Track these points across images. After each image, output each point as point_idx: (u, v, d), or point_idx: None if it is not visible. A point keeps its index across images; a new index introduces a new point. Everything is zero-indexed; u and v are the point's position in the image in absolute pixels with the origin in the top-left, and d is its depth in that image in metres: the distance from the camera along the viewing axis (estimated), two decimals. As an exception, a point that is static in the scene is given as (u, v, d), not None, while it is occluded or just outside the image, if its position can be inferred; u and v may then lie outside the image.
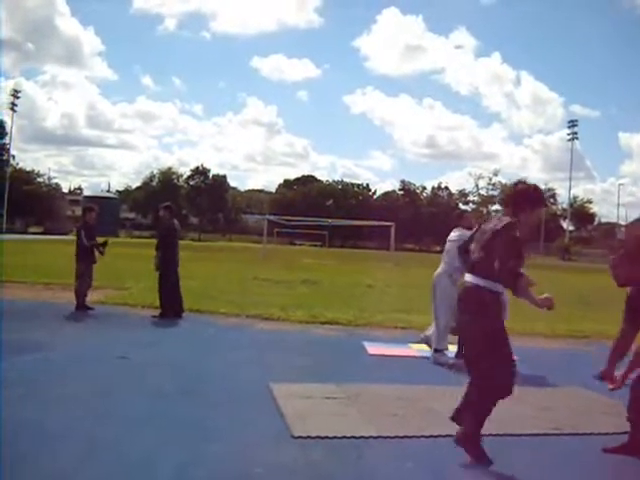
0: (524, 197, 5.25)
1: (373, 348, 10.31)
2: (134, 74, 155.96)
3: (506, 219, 5.15)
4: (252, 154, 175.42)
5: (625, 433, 5.64)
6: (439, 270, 9.86)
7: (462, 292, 5.40)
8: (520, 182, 5.49)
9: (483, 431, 5.23)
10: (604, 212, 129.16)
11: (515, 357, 5.24)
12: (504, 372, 5.09)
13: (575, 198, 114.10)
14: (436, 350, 9.60)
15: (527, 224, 5.22)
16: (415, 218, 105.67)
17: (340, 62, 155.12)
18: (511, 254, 4.96)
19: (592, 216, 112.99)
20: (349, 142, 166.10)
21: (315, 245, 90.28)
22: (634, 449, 5.50)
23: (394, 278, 24.58)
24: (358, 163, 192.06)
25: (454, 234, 9.83)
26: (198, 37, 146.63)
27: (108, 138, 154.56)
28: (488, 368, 5.09)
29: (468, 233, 9.52)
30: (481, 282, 5.13)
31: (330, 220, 61.18)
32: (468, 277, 5.29)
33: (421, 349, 10.37)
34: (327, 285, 21.33)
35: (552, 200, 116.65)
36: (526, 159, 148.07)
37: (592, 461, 5.51)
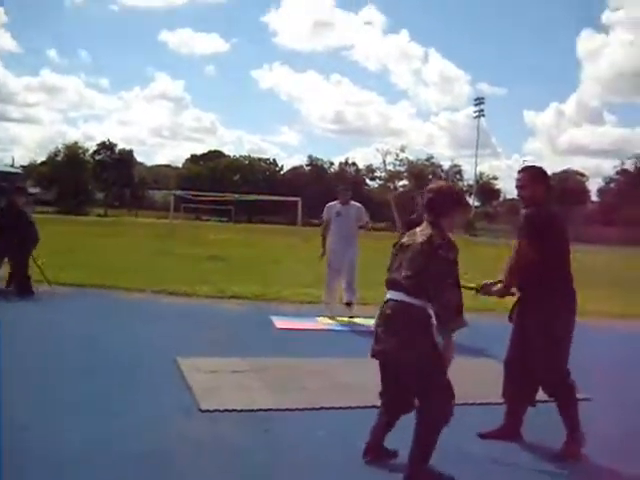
0: (442, 201, 4.60)
1: (280, 322, 10.35)
2: (39, 47, 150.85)
3: (428, 233, 4.50)
4: (159, 129, 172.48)
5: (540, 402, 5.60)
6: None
7: (385, 311, 4.63)
8: (432, 185, 4.81)
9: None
10: (509, 188, 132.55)
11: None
12: (447, 397, 4.48)
13: (481, 174, 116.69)
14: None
15: (451, 229, 4.62)
16: (322, 194, 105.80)
17: (248, 37, 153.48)
18: (446, 284, 4.36)
19: (497, 192, 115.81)
20: (257, 117, 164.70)
21: (222, 220, 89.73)
22: (510, 433, 5.46)
23: (301, 253, 24.58)
24: (265, 138, 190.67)
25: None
26: (105, 10, 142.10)
27: (11, 112, 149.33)
28: (430, 398, 4.47)
29: (335, 208, 11.21)
30: (411, 300, 4.44)
31: (237, 195, 60.73)
32: (392, 294, 4.57)
33: (328, 322, 10.48)
34: (234, 260, 21.21)
35: (458, 176, 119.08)
36: (433, 136, 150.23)
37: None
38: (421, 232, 4.55)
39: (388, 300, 4.60)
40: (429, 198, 4.64)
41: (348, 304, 11.07)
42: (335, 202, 11.38)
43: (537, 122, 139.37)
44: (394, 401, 4.79)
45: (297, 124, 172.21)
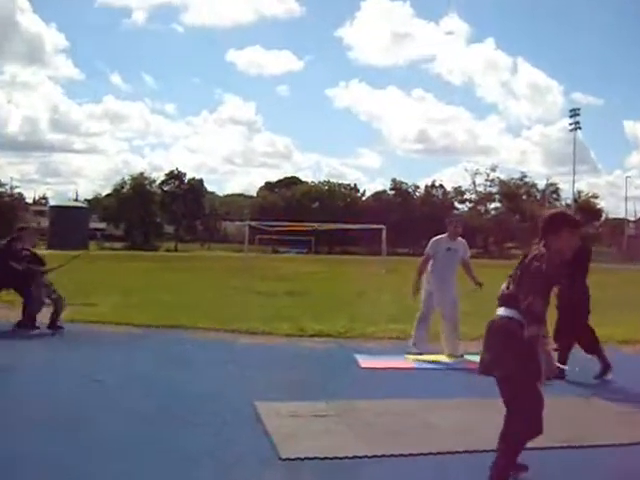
0: (549, 222, 5.11)
1: (365, 361, 10.32)
2: (101, 72, 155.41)
3: (536, 249, 4.98)
4: (230, 155, 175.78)
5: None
6: None
7: (489, 326, 5.15)
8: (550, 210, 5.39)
9: (486, 445, 5.22)
10: (611, 207, 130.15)
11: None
12: (536, 410, 4.88)
13: (579, 193, 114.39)
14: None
15: (558, 251, 5.00)
16: (408, 220, 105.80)
17: (322, 53, 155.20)
18: (531, 289, 4.77)
19: (598, 212, 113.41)
20: (334, 139, 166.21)
21: (300, 252, 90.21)
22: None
23: (387, 285, 24.55)
24: (345, 162, 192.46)
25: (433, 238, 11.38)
26: (169, 30, 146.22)
27: (74, 142, 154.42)
28: (522, 406, 4.90)
29: (444, 243, 11.10)
30: (507, 313, 4.95)
31: (316, 224, 60.93)
32: (498, 310, 5.09)
33: (417, 360, 10.42)
34: (314, 295, 21.32)
35: (555, 196, 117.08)
36: (525, 152, 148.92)
37: (601, 476, 5.54)
38: (532, 252, 5.01)
39: (494, 317, 5.13)
40: (540, 225, 5.17)
41: (459, 356, 10.80)
42: (443, 236, 11.12)
43: (639, 133, 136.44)
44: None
45: (378, 145, 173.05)
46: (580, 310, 9.25)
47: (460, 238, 11.22)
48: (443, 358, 10.70)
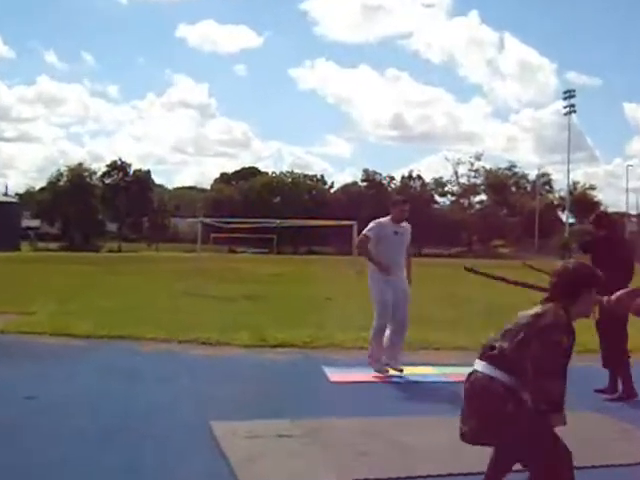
0: (568, 283, 4.74)
1: (334, 374, 10.39)
2: (34, 50, 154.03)
3: (551, 313, 4.59)
4: (181, 144, 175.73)
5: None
6: None
7: (469, 386, 4.77)
8: (558, 268, 4.89)
9: (479, 468, 5.22)
10: (610, 200, 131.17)
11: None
12: (562, 468, 4.53)
13: (575, 184, 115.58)
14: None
15: (578, 315, 4.73)
16: (382, 215, 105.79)
17: (284, 28, 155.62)
18: (548, 369, 4.44)
19: (596, 205, 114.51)
20: (298, 125, 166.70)
21: (261, 252, 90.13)
22: None
23: (357, 288, 24.61)
24: (310, 150, 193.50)
25: (374, 220, 11.02)
26: (112, 4, 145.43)
27: (4, 130, 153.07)
28: (543, 466, 4.55)
29: (388, 226, 10.75)
30: (498, 375, 4.58)
31: (278, 221, 60.94)
32: (480, 365, 4.74)
33: (392, 373, 10.49)
34: (277, 300, 21.38)
35: (547, 187, 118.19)
36: (514, 139, 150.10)
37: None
38: (542, 304, 4.72)
39: (473, 371, 4.75)
40: (554, 282, 4.79)
41: (399, 370, 10.52)
42: (386, 219, 10.77)
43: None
44: None
45: (348, 131, 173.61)
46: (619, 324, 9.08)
47: (406, 223, 10.84)
48: (421, 370, 10.79)
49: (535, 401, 4.43)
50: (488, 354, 4.67)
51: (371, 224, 10.74)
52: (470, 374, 4.76)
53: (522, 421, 4.44)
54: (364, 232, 10.76)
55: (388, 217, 10.79)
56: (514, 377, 4.50)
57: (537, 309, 4.67)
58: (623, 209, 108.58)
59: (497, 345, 4.64)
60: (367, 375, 10.42)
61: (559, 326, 4.50)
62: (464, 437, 4.72)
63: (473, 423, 4.62)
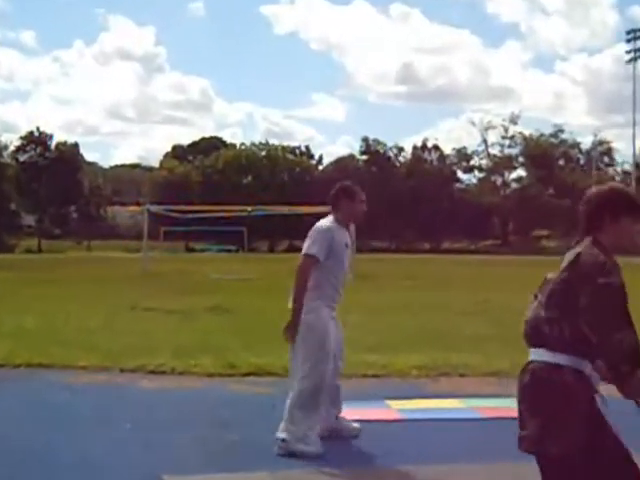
0: (601, 204, 4.81)
1: (328, 410, 10.37)
2: None
3: (586, 253, 4.64)
4: (119, 107, 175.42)
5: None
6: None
7: (522, 379, 4.84)
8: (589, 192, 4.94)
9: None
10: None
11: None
12: None
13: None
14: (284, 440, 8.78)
15: (614, 247, 4.75)
16: (387, 199, 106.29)
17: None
18: (615, 319, 4.40)
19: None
20: (275, 81, 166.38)
21: (228, 250, 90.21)
22: None
23: (356, 298, 24.60)
24: (291, 114, 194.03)
25: (315, 227, 9.45)
26: None
27: None
28: None
29: (340, 234, 9.32)
30: (559, 359, 4.61)
31: (250, 208, 60.68)
32: (535, 353, 4.80)
33: (404, 408, 10.51)
34: (250, 314, 21.47)
35: (607, 159, 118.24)
36: (562, 95, 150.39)
37: None
38: (569, 254, 4.76)
39: (529, 362, 4.82)
40: (583, 209, 4.89)
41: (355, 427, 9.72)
42: (331, 221, 9.46)
43: None
44: None
45: (341, 88, 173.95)
46: None
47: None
48: (443, 403, 10.80)
49: (611, 366, 4.41)
50: (539, 337, 4.72)
51: (316, 233, 9.23)
52: (526, 365, 4.82)
53: (590, 415, 4.50)
54: (309, 251, 9.13)
55: (331, 218, 9.46)
56: (573, 354, 4.55)
57: (569, 256, 4.73)
58: None
59: (544, 322, 4.69)
60: (370, 411, 10.43)
61: (599, 264, 4.50)
62: (522, 443, 4.72)
63: (533, 424, 4.64)
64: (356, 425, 9.51)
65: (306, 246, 9.09)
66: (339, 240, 9.23)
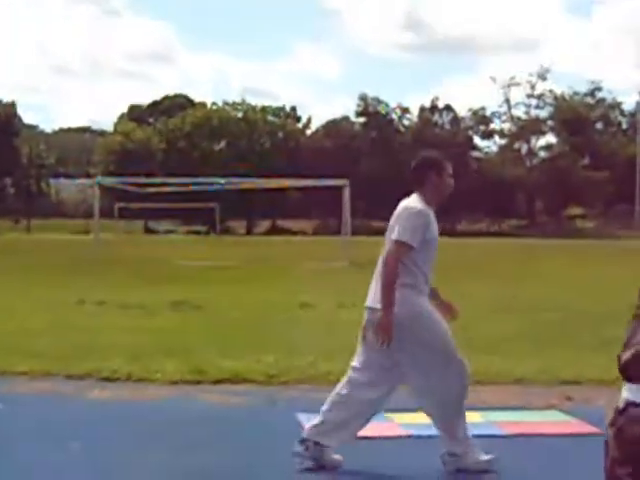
0: None
1: (317, 426, 10.38)
2: None
3: None
4: (65, 60, 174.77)
5: None
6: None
7: (624, 433, 4.42)
8: None
9: None
10: None
11: None
12: None
13: None
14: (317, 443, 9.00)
15: None
16: (390, 169, 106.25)
17: None
18: None
19: None
20: (252, 28, 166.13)
21: (197, 232, 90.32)
22: None
23: (352, 288, 24.69)
24: (272, 67, 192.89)
25: (400, 210, 9.23)
26: None
27: None
28: None
29: (433, 217, 9.13)
30: None
31: (223, 181, 60.44)
32: (627, 390, 4.44)
33: (410, 422, 10.53)
34: (222, 309, 21.56)
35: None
36: (600, 46, 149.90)
37: None
38: None
39: (624, 402, 4.48)
40: None
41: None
42: (416, 199, 9.32)
43: None
44: None
45: (333, 38, 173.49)
46: None
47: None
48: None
49: None
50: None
51: (408, 214, 9.07)
52: (621, 410, 4.45)
53: None
54: (402, 237, 8.94)
55: (416, 197, 9.33)
56: None
57: None
58: None
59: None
60: (372, 426, 10.43)
61: None
62: None
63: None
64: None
65: (398, 231, 8.86)
66: (434, 226, 9.13)
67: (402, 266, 8.85)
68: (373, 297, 8.93)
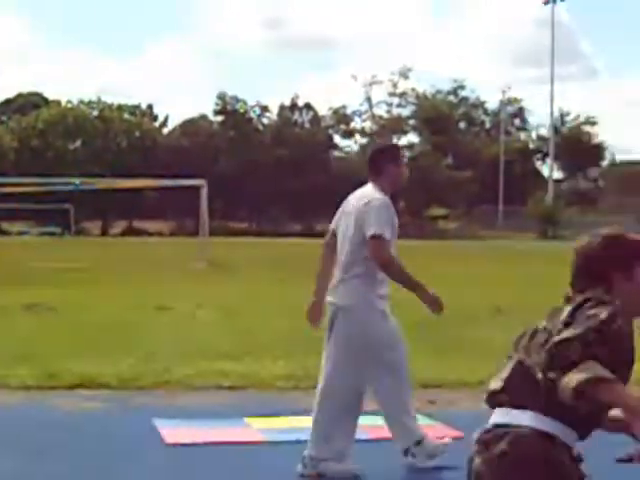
0: (615, 248, 4.45)
1: (174, 431, 10.33)
2: None
3: (591, 301, 4.26)
4: None
5: None
6: (341, 288, 9.38)
7: (485, 459, 4.31)
8: None
9: None
10: (620, 140, 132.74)
11: None
12: None
13: (564, 116, 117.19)
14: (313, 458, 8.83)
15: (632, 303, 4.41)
16: (248, 169, 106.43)
17: None
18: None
19: (598, 149, 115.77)
20: (108, 25, 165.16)
21: (50, 233, 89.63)
22: None
23: (210, 292, 24.66)
24: (128, 65, 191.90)
25: (364, 201, 9.26)
26: None
27: None
28: None
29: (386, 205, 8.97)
30: (544, 425, 4.22)
31: (78, 181, 60.25)
32: (504, 415, 4.35)
33: (267, 427, 10.49)
34: (76, 312, 21.42)
35: (518, 122, 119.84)
36: (462, 44, 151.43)
37: None
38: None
39: (492, 427, 4.38)
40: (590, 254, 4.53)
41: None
42: (372, 188, 9.16)
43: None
44: None
45: (189, 31, 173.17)
46: None
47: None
48: (306, 421, 10.71)
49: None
50: (511, 394, 4.34)
51: (384, 209, 8.92)
52: (486, 431, 4.39)
53: None
54: (379, 232, 8.74)
55: (374, 187, 9.17)
56: (560, 419, 4.20)
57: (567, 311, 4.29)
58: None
59: (537, 375, 4.21)
60: (226, 430, 10.38)
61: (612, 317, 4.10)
62: None
63: None
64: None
65: (374, 226, 8.63)
66: (395, 218, 9.05)
67: (359, 257, 8.77)
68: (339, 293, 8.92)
